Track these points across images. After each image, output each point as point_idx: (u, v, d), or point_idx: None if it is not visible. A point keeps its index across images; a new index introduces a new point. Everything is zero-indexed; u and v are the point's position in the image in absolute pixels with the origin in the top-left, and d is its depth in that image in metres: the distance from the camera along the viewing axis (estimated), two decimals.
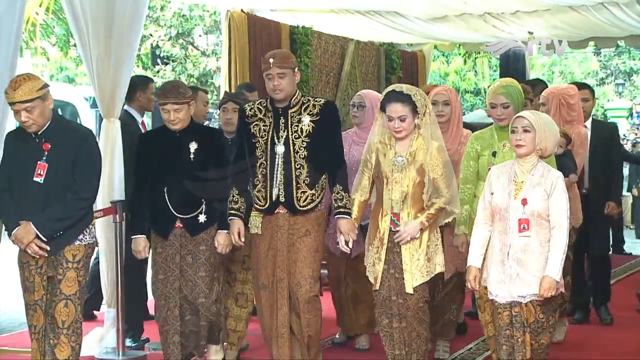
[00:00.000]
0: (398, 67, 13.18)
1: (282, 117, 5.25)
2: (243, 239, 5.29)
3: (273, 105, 5.27)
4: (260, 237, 5.30)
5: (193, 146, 5.37)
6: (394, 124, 5.09)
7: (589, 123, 7.11)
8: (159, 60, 21.26)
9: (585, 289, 7.37)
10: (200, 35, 22.42)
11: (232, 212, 5.30)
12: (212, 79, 21.48)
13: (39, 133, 4.86)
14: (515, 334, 4.58)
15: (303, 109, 5.26)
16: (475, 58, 19.47)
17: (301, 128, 5.21)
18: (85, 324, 7.11)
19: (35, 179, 4.79)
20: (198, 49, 22.54)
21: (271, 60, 5.13)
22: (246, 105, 5.47)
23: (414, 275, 5.11)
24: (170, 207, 5.34)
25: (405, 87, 5.19)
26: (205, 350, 5.63)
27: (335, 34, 11.94)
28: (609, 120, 24.68)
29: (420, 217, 5.07)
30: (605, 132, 7.34)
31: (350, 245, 5.20)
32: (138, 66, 20.92)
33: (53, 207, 4.80)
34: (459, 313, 6.40)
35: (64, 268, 4.83)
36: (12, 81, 4.81)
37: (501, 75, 13.01)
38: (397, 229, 5.11)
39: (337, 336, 6.62)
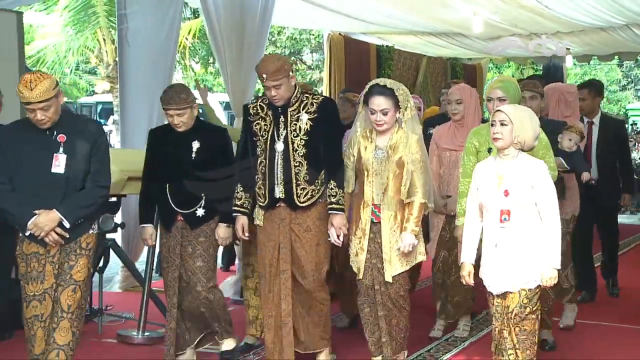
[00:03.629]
0: (461, 77, 12.95)
1: (281, 116, 4.28)
2: (247, 234, 4.40)
3: (273, 104, 4.30)
4: (261, 228, 4.37)
5: (195, 145, 4.43)
6: (376, 117, 4.16)
7: (597, 119, 6.18)
8: None
9: (592, 272, 6.32)
10: (307, 53, 22.51)
11: (236, 208, 4.38)
12: (316, 87, 21.54)
13: (51, 126, 3.88)
14: (495, 323, 3.76)
15: (302, 107, 4.29)
16: (523, 69, 19.03)
17: (299, 126, 4.25)
18: (224, 273, 7.22)
19: (53, 170, 3.80)
20: (305, 64, 22.64)
21: (264, 76, 4.18)
22: (249, 103, 4.51)
23: (394, 264, 4.20)
24: (170, 202, 4.45)
25: (389, 82, 4.24)
26: (216, 339, 4.64)
27: (411, 51, 11.86)
28: (629, 119, 23.86)
29: (410, 226, 4.14)
30: (612, 127, 6.29)
31: (342, 239, 4.28)
32: None
33: (75, 194, 3.86)
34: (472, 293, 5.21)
35: (76, 254, 3.88)
36: (25, 80, 3.76)
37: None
38: (378, 220, 4.21)
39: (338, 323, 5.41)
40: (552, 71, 12.78)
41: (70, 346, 3.86)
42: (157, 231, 4.68)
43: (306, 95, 4.33)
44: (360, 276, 4.25)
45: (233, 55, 6.71)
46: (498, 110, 3.73)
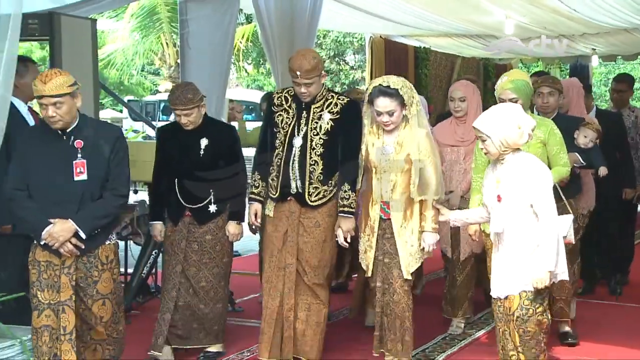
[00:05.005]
0: (492, 76, 12.77)
1: (304, 111, 3.91)
2: (259, 220, 4.05)
3: (298, 98, 3.93)
4: (270, 219, 4.01)
5: (204, 142, 4.11)
6: (383, 118, 3.77)
7: (592, 113, 5.50)
8: None
9: (591, 264, 5.65)
10: (350, 55, 22.43)
11: (252, 196, 4.03)
12: (358, 86, 21.49)
13: (68, 131, 3.40)
14: (498, 324, 3.44)
15: (326, 105, 3.91)
16: (550, 68, 18.68)
17: (320, 125, 3.88)
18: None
19: (77, 178, 3.35)
20: (348, 65, 22.56)
21: (298, 73, 3.80)
22: (274, 93, 4.14)
23: (409, 261, 3.81)
24: (179, 197, 4.14)
25: (392, 82, 3.79)
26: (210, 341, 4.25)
27: (447, 52, 11.74)
28: None
29: (429, 225, 3.78)
30: (609, 121, 5.43)
31: (349, 241, 3.92)
32: None
33: (92, 204, 3.39)
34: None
35: (99, 270, 3.44)
36: (42, 74, 3.36)
37: None
38: (387, 216, 3.84)
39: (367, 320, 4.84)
40: (579, 70, 12.55)
41: (106, 342, 3.53)
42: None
43: (332, 94, 3.96)
44: (369, 274, 3.90)
45: (284, 57, 6.70)
46: (474, 127, 3.37)
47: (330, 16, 8.48)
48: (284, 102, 3.99)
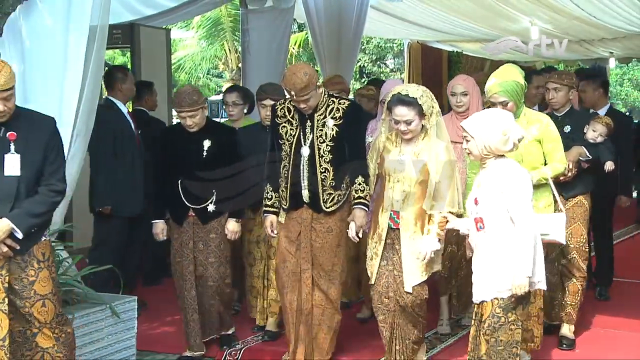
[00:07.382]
0: None
1: (308, 120, 3.52)
2: (275, 232, 3.65)
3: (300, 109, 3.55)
4: (282, 225, 3.63)
5: (207, 143, 3.77)
6: (401, 126, 3.31)
7: (603, 111, 4.68)
8: (364, 75, 21.36)
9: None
10: (390, 58, 22.28)
11: (267, 208, 3.64)
12: None
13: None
14: (471, 329, 3.06)
15: (328, 111, 3.51)
16: (570, 70, 18.24)
17: (325, 132, 3.48)
18: None
19: (7, 173, 2.75)
20: (388, 67, 22.41)
21: (293, 93, 3.41)
22: (277, 104, 3.69)
23: (413, 274, 3.32)
24: (183, 198, 3.78)
25: (411, 90, 3.33)
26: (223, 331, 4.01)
27: (477, 55, 11.57)
28: None
29: (434, 229, 3.26)
30: (616, 122, 4.22)
31: (360, 236, 3.49)
32: (352, 79, 21.11)
33: (27, 201, 2.80)
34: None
35: (35, 269, 2.85)
36: None
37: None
38: (397, 226, 3.35)
39: (359, 314, 4.51)
40: (597, 71, 12.26)
41: (55, 349, 2.94)
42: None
43: (332, 99, 3.55)
44: (373, 281, 3.43)
45: (332, 61, 6.74)
46: (461, 126, 3.05)
47: (373, 24, 8.46)
48: (287, 113, 3.59)
